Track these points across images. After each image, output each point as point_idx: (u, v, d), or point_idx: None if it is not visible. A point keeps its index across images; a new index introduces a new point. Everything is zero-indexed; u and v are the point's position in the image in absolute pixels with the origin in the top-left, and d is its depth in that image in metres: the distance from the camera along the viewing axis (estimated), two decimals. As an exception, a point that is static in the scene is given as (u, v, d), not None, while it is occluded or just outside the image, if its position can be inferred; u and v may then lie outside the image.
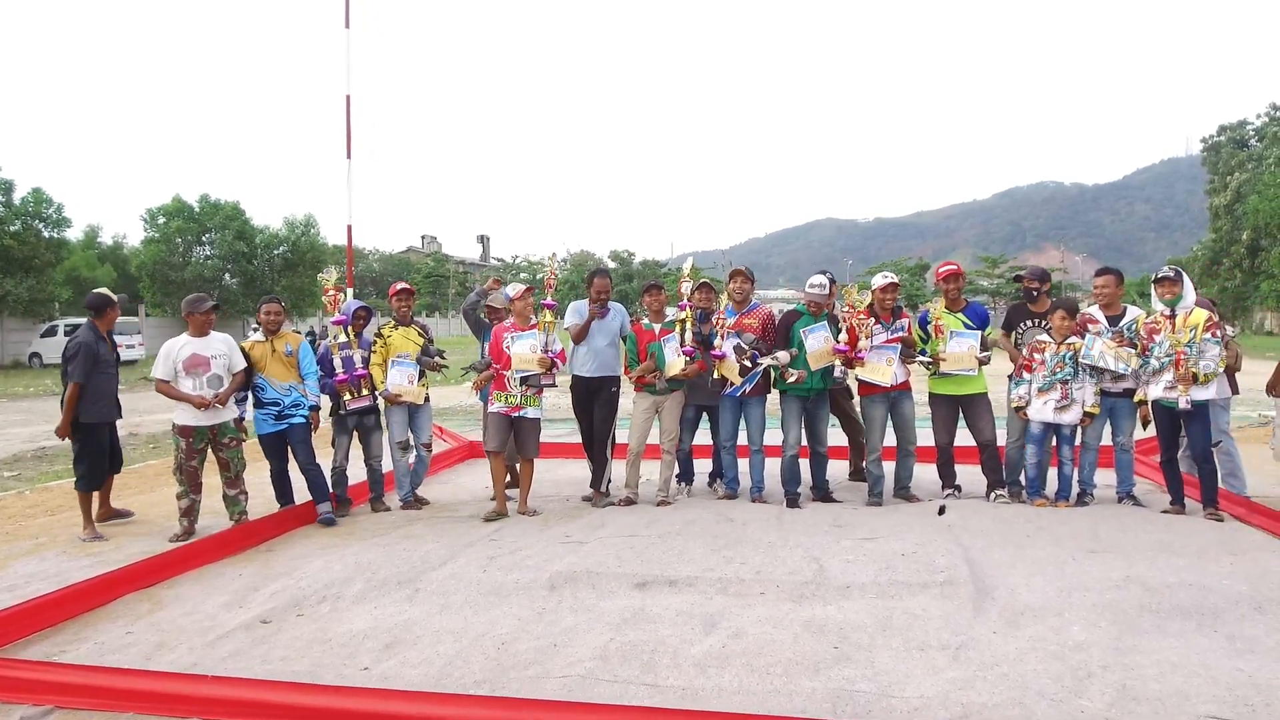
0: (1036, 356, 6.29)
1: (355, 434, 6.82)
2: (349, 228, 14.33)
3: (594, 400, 6.86)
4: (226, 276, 41.32)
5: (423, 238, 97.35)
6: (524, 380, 6.39)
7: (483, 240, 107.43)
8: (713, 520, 6.05)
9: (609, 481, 6.97)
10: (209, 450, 6.21)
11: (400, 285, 7.00)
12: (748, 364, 6.50)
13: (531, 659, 3.76)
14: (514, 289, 6.67)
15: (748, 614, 4.18)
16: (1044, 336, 6.32)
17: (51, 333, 29.53)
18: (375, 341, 6.89)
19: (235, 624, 4.28)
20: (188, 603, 4.66)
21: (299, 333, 7.01)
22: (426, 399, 7.00)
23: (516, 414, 6.46)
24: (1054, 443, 6.42)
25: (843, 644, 3.81)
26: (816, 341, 6.41)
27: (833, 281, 6.69)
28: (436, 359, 7.03)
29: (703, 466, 7.52)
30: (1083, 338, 6.17)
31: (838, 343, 6.34)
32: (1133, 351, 6.04)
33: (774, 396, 6.82)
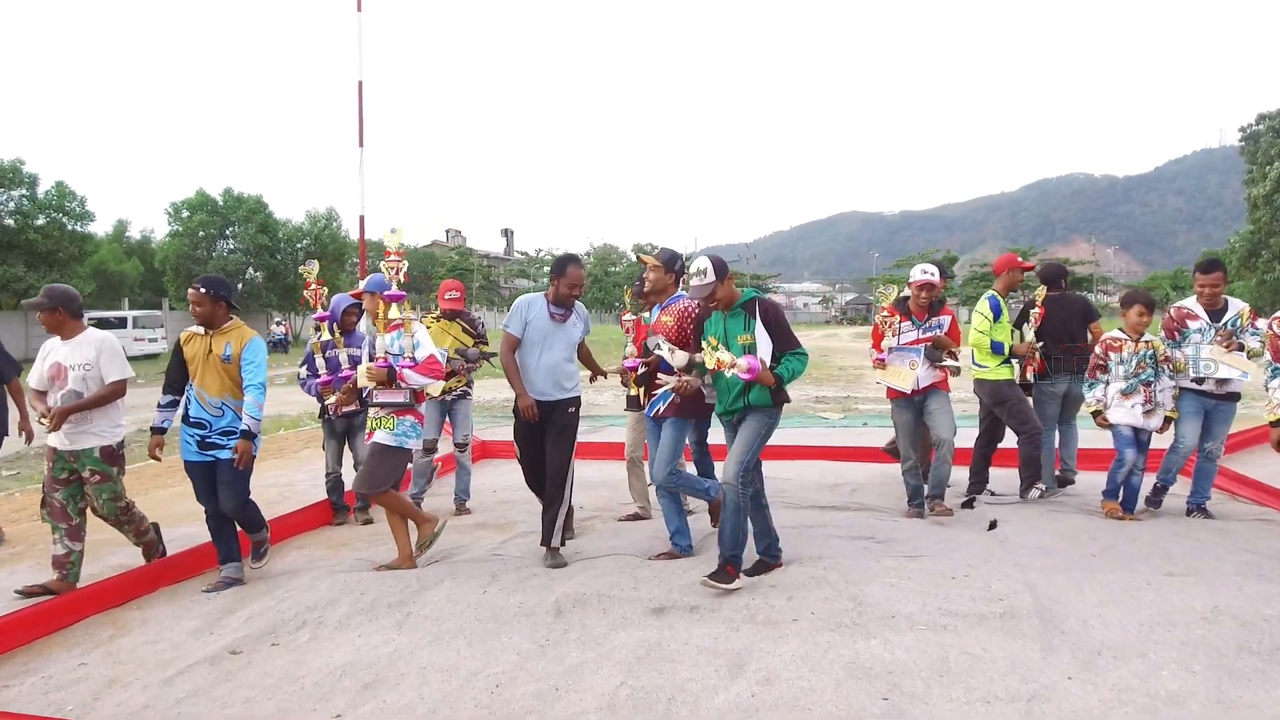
0: (1112, 355, 5.67)
1: (345, 438, 6.34)
2: (361, 218, 13.89)
3: (544, 428, 5.14)
4: (250, 270, 41.35)
5: (447, 232, 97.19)
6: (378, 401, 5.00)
7: (507, 234, 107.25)
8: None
9: (562, 534, 5.15)
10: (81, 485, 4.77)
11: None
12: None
13: (529, 706, 3.24)
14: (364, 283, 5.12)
15: (780, 650, 3.63)
16: (1118, 334, 5.70)
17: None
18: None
19: (200, 655, 3.80)
20: (153, 628, 4.20)
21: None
22: (467, 394, 6.53)
23: (370, 440, 5.08)
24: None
25: (893, 694, 3.25)
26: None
27: (723, 272, 4.46)
28: (470, 360, 6.32)
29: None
30: (1179, 337, 5.56)
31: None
32: (1242, 354, 5.41)
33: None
